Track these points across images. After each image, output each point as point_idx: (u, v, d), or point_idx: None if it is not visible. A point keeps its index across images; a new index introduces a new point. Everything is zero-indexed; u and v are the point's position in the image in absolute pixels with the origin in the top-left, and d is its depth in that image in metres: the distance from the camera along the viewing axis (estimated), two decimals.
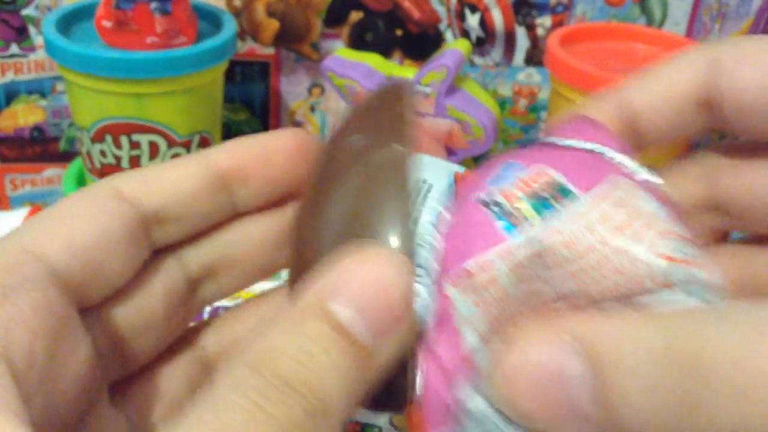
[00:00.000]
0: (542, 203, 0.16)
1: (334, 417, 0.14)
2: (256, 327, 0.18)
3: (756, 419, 0.13)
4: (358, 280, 0.15)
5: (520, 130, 0.64)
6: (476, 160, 0.65)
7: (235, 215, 0.20)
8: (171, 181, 0.19)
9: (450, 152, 0.50)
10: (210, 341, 0.21)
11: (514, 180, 0.16)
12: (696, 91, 0.19)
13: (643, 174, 0.17)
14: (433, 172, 0.39)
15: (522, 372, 0.15)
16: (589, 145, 0.17)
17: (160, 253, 0.20)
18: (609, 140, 0.17)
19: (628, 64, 0.51)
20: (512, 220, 0.16)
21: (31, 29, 0.57)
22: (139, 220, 0.19)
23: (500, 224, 0.16)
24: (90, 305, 0.18)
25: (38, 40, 0.58)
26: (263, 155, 0.20)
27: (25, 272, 0.16)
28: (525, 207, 0.16)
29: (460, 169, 0.40)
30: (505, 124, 0.64)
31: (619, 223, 0.15)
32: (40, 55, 0.58)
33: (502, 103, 0.62)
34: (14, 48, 0.58)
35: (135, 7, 0.45)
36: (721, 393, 0.13)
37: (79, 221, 0.18)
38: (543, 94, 0.62)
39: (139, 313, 0.19)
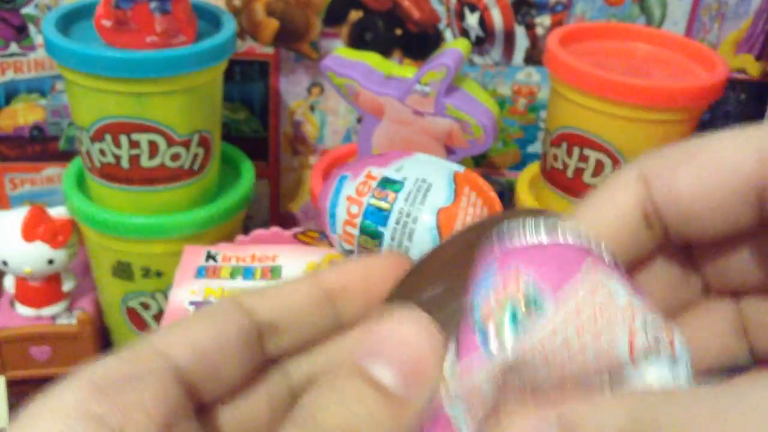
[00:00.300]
0: (514, 316, 0.17)
1: None
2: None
3: None
4: (387, 336, 0.17)
5: (519, 129, 0.64)
6: (476, 159, 0.65)
7: (339, 328, 0.22)
8: (285, 296, 0.22)
9: (449, 151, 0.50)
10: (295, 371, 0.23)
11: (489, 290, 0.17)
12: (640, 208, 0.20)
13: (606, 252, 0.18)
14: (433, 171, 0.39)
15: None
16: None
17: (268, 363, 0.22)
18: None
19: (628, 64, 0.52)
20: (487, 335, 0.17)
21: (31, 28, 0.57)
22: (255, 329, 0.21)
23: (478, 338, 0.17)
24: (204, 403, 0.20)
25: (38, 39, 0.58)
26: (364, 273, 0.22)
27: (149, 365, 0.18)
28: (498, 322, 0.17)
29: (459, 169, 0.40)
30: (505, 124, 0.64)
31: (589, 324, 0.17)
32: (40, 54, 0.58)
33: (502, 103, 0.62)
34: (14, 47, 0.58)
35: (134, 6, 0.45)
36: None
37: (202, 326, 0.20)
38: (542, 94, 0.62)
39: (246, 416, 0.22)
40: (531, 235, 0.18)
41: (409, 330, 0.17)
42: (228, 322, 0.20)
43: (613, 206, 0.20)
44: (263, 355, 0.21)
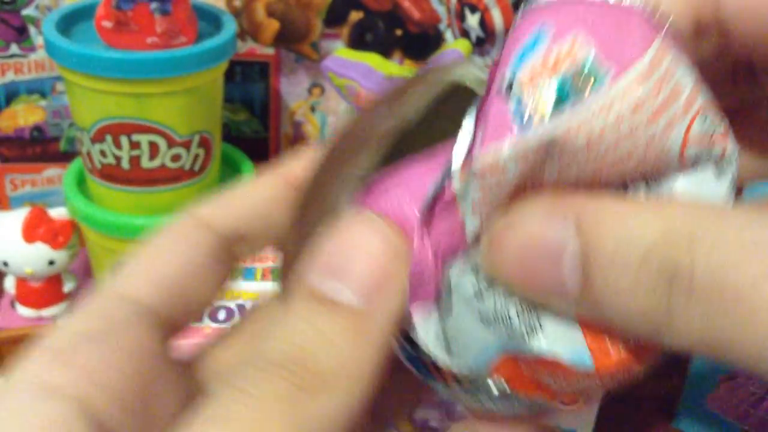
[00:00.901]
0: (565, 90, 0.14)
1: (345, 387, 0.14)
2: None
3: (726, 334, 0.13)
4: (341, 251, 0.15)
5: None
6: None
7: None
8: (247, 198, 0.20)
9: None
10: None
11: (539, 57, 0.14)
12: (692, 12, 0.16)
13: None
14: None
15: (511, 237, 0.14)
16: None
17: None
18: None
19: None
20: (527, 111, 0.14)
21: (32, 29, 0.57)
22: (221, 242, 0.19)
23: (514, 116, 0.14)
24: (180, 330, 0.19)
25: (38, 40, 0.58)
26: None
27: (115, 315, 0.17)
28: (544, 96, 0.14)
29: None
30: None
31: (653, 109, 0.14)
32: (41, 55, 0.58)
33: None
34: (14, 48, 0.58)
35: (135, 7, 0.45)
36: (697, 306, 0.13)
37: (164, 256, 0.18)
38: None
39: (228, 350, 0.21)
40: None
41: (363, 241, 0.15)
42: (191, 244, 0.19)
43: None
44: (234, 263, 0.20)
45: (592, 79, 0.14)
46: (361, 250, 0.15)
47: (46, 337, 0.16)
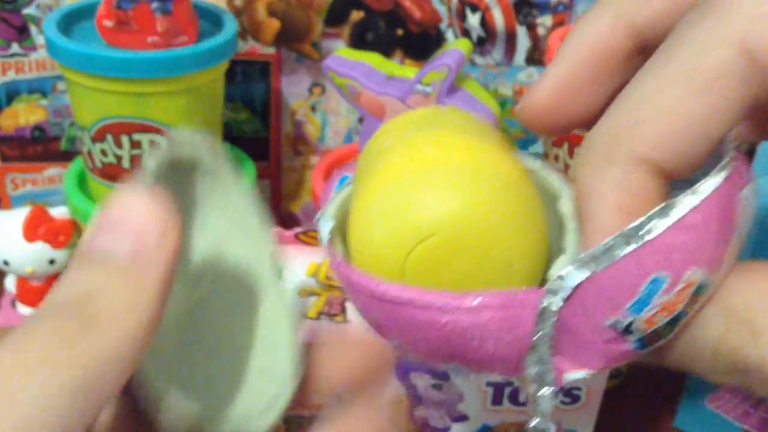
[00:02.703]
0: (677, 319, 0.15)
1: (113, 326, 0.16)
2: None
3: None
4: (110, 211, 0.17)
5: (520, 130, 0.64)
6: None
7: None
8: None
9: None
10: None
11: (657, 303, 0.15)
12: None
13: None
14: None
15: None
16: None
17: None
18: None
19: None
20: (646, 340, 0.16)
21: (32, 28, 0.57)
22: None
23: (635, 346, 0.16)
24: None
25: (39, 39, 0.58)
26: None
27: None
28: (663, 326, 0.15)
29: None
30: (506, 124, 0.64)
31: None
32: (41, 54, 0.58)
33: (503, 103, 0.62)
34: (15, 47, 0.58)
35: (136, 6, 0.45)
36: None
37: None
38: None
39: None
40: None
41: (132, 207, 0.17)
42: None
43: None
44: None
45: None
46: (132, 213, 0.17)
47: None
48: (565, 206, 0.17)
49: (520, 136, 0.64)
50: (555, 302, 0.15)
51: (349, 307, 0.40)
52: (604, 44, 0.17)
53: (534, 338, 0.16)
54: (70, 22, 0.50)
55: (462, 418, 0.40)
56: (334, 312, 0.40)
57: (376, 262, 0.17)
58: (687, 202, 0.15)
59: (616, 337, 0.15)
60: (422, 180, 0.16)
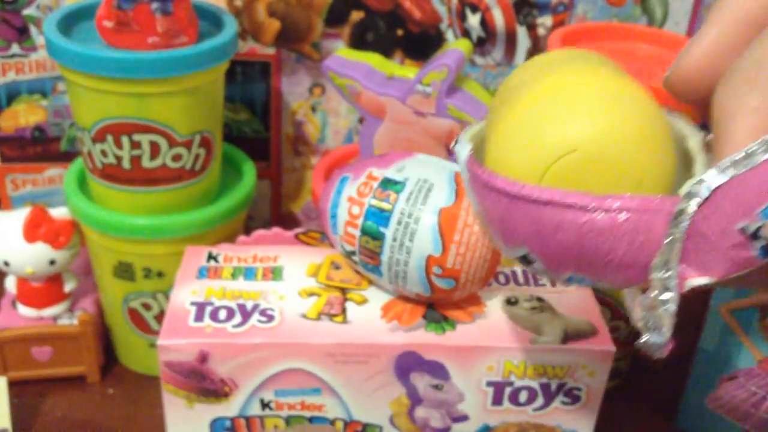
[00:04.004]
0: None
1: None
2: None
3: None
4: None
5: None
6: None
7: None
8: None
9: (451, 152, 0.50)
10: None
11: None
12: None
13: None
14: (434, 172, 0.39)
15: None
16: None
17: None
18: None
19: (629, 64, 0.51)
20: None
21: (33, 29, 0.57)
22: None
23: (760, 254, 0.17)
24: None
25: (39, 39, 0.58)
26: None
27: None
28: None
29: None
30: None
31: None
32: (42, 54, 0.58)
33: None
34: (15, 48, 0.58)
35: (136, 7, 0.45)
36: None
37: None
38: None
39: None
40: None
41: None
42: None
43: None
44: None
45: None
46: None
47: None
48: (694, 143, 0.19)
49: None
50: (691, 206, 0.17)
51: (350, 307, 0.40)
52: (747, 9, 0.19)
53: (665, 242, 0.17)
54: (70, 22, 0.50)
55: (462, 418, 0.40)
56: (334, 312, 0.40)
57: (521, 172, 0.18)
58: None
59: (744, 241, 0.16)
60: (566, 101, 0.18)
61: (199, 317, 0.39)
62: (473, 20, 0.60)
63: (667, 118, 0.19)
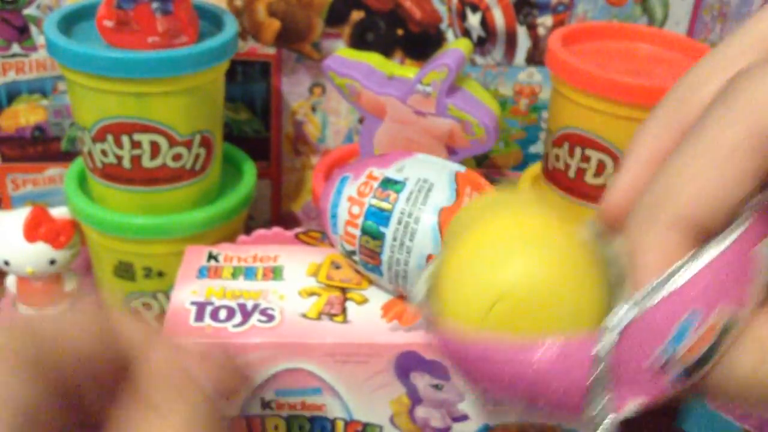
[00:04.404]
0: (713, 351, 0.18)
1: None
2: None
3: None
4: None
5: (521, 129, 0.64)
6: (477, 159, 0.65)
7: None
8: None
9: (451, 151, 0.50)
10: None
11: (693, 337, 0.18)
12: None
13: None
14: (434, 172, 0.39)
15: None
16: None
17: None
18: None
19: (630, 64, 0.51)
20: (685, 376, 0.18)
21: (33, 29, 0.57)
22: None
23: (673, 381, 0.18)
24: None
25: (40, 39, 0.58)
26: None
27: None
28: (700, 358, 0.18)
29: (461, 169, 0.40)
30: (506, 124, 0.64)
31: None
32: (42, 54, 0.58)
33: (503, 103, 0.62)
34: (16, 47, 0.58)
35: (136, 6, 0.45)
36: None
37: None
38: (544, 94, 0.62)
39: None
40: None
41: None
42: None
43: None
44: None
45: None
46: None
47: None
48: (620, 265, 0.20)
49: (521, 136, 0.64)
50: (607, 343, 0.18)
51: (350, 307, 0.40)
52: (659, 146, 0.20)
53: (592, 378, 0.19)
54: (70, 22, 0.50)
55: (462, 418, 0.40)
56: (334, 312, 0.40)
57: (463, 316, 0.20)
58: (714, 249, 0.18)
59: (660, 370, 0.18)
60: (497, 248, 0.20)
61: (199, 317, 0.39)
62: (473, 20, 0.60)
63: (590, 254, 0.20)
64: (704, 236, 0.18)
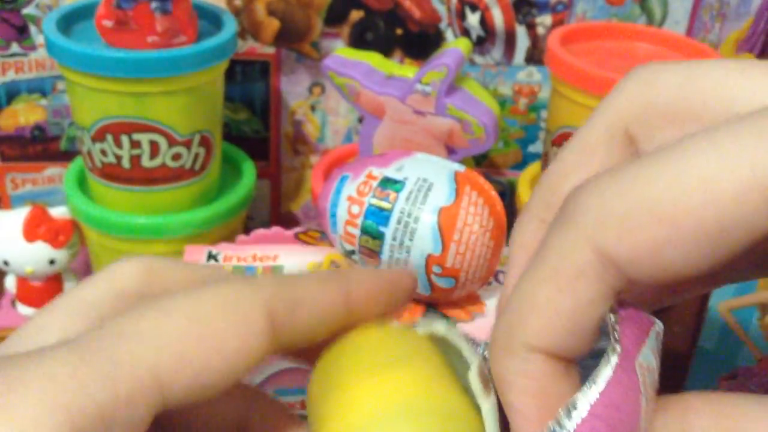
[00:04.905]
0: None
1: None
2: None
3: None
4: None
5: (520, 128, 0.64)
6: (476, 159, 0.65)
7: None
8: (317, 316, 0.20)
9: (450, 151, 0.50)
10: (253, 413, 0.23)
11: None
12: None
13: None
14: (434, 171, 0.39)
15: None
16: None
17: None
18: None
19: (629, 63, 0.51)
20: None
21: (32, 28, 0.57)
22: (274, 350, 0.19)
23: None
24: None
25: (39, 39, 0.58)
26: (383, 292, 0.21)
27: (138, 414, 0.16)
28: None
29: (460, 168, 0.40)
30: (506, 123, 0.64)
31: None
32: (41, 54, 0.58)
33: (503, 102, 0.62)
34: (15, 47, 0.58)
35: (135, 6, 0.45)
36: None
37: (215, 352, 0.17)
38: (543, 93, 0.62)
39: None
40: None
41: None
42: (251, 349, 0.18)
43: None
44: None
45: None
46: None
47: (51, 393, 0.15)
48: (473, 379, 0.19)
49: (520, 136, 0.64)
50: None
51: None
52: (536, 247, 0.19)
53: None
54: (69, 21, 0.50)
55: None
56: None
57: None
58: (587, 397, 0.16)
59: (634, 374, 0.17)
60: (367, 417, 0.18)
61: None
62: (473, 19, 0.60)
63: (472, 412, 0.19)
64: (566, 358, 0.17)
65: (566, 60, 0.48)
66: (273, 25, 0.59)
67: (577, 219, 0.16)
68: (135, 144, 0.48)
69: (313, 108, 0.63)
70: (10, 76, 0.58)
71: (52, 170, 0.63)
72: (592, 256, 0.16)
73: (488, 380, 0.19)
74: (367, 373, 0.19)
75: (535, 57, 0.61)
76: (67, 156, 0.62)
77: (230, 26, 0.50)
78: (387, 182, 0.39)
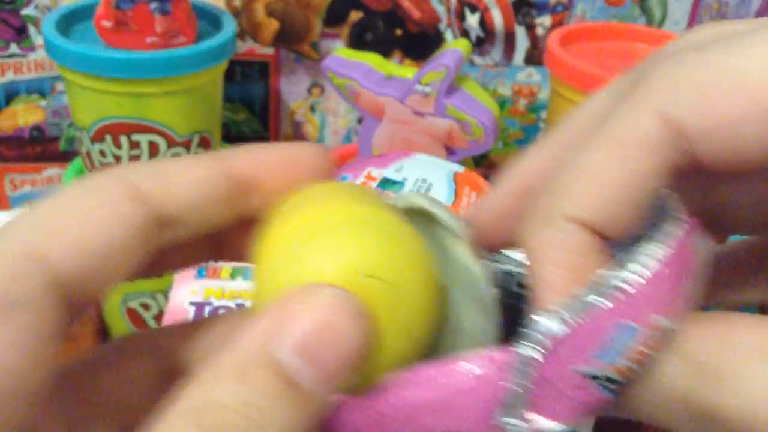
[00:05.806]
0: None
1: None
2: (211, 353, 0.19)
3: None
4: (306, 325, 0.15)
5: (519, 129, 0.64)
6: (476, 160, 0.65)
7: (244, 222, 0.19)
8: (190, 185, 0.18)
9: (450, 152, 0.50)
10: (178, 349, 0.20)
11: (624, 351, 0.16)
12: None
13: None
14: (433, 172, 0.39)
15: None
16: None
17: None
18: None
19: (628, 64, 0.52)
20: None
21: (31, 29, 0.57)
22: (153, 224, 0.18)
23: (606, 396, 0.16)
24: (81, 304, 0.17)
25: (38, 39, 0.58)
26: (280, 166, 0.19)
27: (29, 285, 0.15)
28: (631, 374, 0.16)
29: (459, 169, 0.40)
30: (505, 124, 0.64)
31: None
32: (40, 54, 0.58)
33: (502, 103, 0.62)
34: (14, 48, 0.58)
35: (135, 7, 0.45)
36: None
37: (88, 223, 0.16)
38: (543, 94, 0.62)
39: (123, 381, 0.19)
40: None
41: (330, 314, 0.15)
42: (120, 218, 0.17)
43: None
44: (157, 248, 0.18)
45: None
46: (339, 338, 0.15)
47: None
48: (461, 246, 0.18)
49: (520, 136, 0.64)
50: (526, 358, 0.16)
51: None
52: (528, 181, 0.18)
53: (508, 396, 0.16)
54: (68, 22, 0.50)
55: None
56: None
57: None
58: (648, 254, 0.15)
59: (587, 386, 0.16)
60: (307, 242, 0.17)
61: (198, 317, 0.39)
62: (472, 20, 0.60)
63: (417, 244, 0.18)
64: (604, 236, 0.16)
65: (566, 61, 0.48)
66: (272, 25, 0.59)
67: (651, 84, 0.15)
68: (134, 145, 0.48)
69: (312, 108, 0.63)
70: (9, 76, 0.58)
71: (51, 171, 0.63)
72: (661, 125, 0.15)
73: (480, 254, 0.18)
74: (311, 204, 0.18)
75: (534, 58, 0.61)
76: (66, 157, 0.62)
77: (229, 27, 0.50)
78: (386, 183, 0.39)
